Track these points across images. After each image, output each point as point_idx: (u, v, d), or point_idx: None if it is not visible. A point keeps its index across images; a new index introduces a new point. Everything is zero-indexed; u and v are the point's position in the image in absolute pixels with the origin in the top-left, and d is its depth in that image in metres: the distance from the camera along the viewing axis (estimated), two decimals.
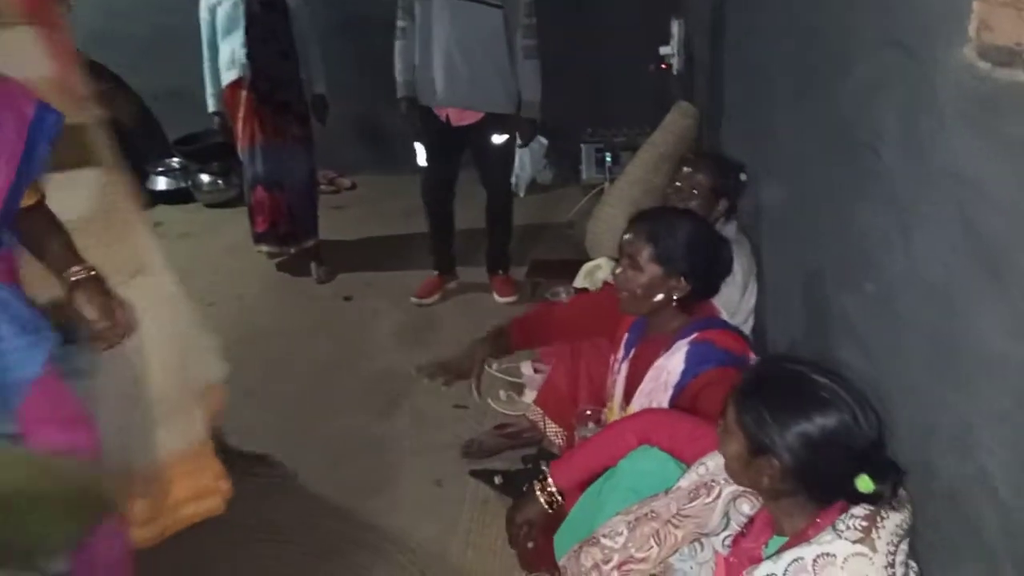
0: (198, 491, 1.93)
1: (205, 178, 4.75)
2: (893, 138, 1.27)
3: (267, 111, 3.44)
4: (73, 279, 1.35)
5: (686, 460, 1.36)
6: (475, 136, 3.25)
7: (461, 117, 3.20)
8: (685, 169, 2.23)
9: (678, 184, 2.22)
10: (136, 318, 1.41)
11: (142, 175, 3.85)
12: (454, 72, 3.08)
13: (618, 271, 1.72)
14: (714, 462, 1.27)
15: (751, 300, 2.21)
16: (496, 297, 3.48)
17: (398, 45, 3.21)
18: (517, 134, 3.32)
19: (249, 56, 3.37)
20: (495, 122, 3.21)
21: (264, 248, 3.78)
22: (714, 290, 1.74)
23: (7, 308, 1.32)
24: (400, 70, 3.22)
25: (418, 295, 3.49)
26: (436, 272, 3.55)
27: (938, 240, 1.12)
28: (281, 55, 3.43)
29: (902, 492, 1.09)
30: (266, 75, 3.41)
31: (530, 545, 1.57)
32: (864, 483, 1.06)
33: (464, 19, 3.03)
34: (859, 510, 1.07)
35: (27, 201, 1.35)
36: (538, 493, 1.53)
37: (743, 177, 2.26)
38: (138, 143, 4.45)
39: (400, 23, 3.20)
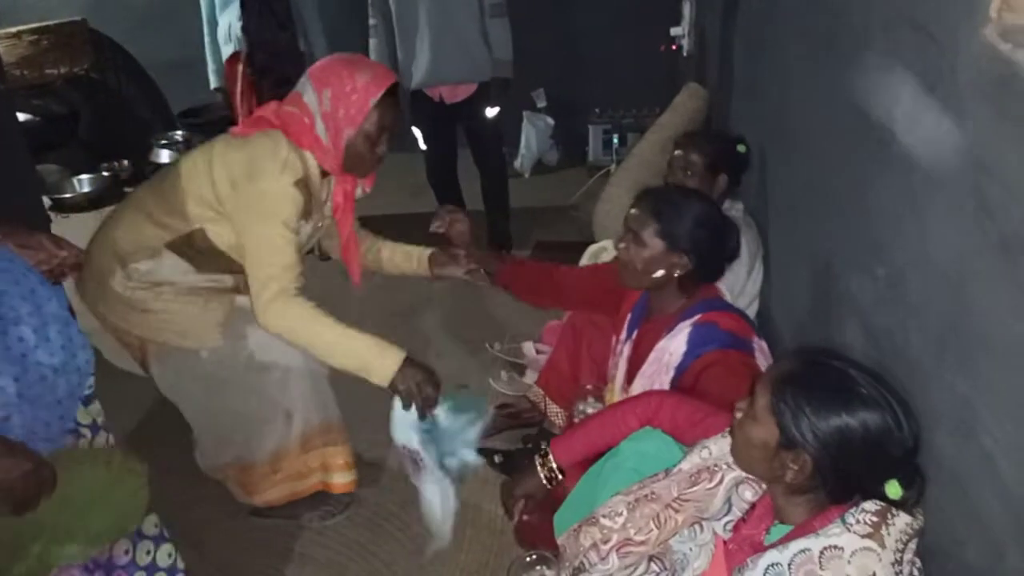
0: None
1: None
2: (908, 119, 1.25)
3: (265, 85, 3.33)
4: None
5: (687, 443, 1.35)
6: (468, 112, 3.24)
7: (455, 94, 3.20)
8: (677, 152, 2.20)
9: (672, 167, 2.19)
10: (76, 249, 1.36)
11: (146, 148, 3.84)
12: (443, 50, 3.07)
13: (621, 245, 1.71)
14: (717, 446, 1.25)
15: (757, 283, 2.19)
16: None
17: (372, 43, 3.19)
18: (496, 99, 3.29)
19: (244, 29, 3.30)
20: (487, 94, 3.21)
21: None
22: (719, 273, 1.73)
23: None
24: None
25: None
26: None
27: (951, 223, 1.10)
28: (278, 27, 3.34)
29: None
30: (263, 48, 3.32)
31: (525, 518, 1.56)
32: (894, 489, 1.02)
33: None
34: (870, 504, 1.03)
35: None
36: (539, 468, 1.52)
37: (741, 148, 2.22)
38: (143, 115, 4.43)
39: (371, 20, 3.17)
